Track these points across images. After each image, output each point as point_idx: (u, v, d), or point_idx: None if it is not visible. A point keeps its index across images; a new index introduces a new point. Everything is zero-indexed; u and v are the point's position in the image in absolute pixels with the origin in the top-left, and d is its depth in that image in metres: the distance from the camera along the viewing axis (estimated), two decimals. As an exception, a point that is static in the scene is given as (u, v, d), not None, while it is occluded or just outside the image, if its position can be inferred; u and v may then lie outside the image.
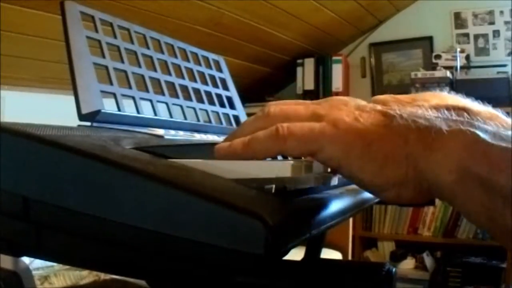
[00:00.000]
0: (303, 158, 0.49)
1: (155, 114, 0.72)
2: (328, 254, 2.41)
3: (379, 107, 0.42)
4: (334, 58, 3.20)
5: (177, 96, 0.79)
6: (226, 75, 0.95)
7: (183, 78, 0.82)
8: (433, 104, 0.46)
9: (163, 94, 0.76)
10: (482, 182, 0.37)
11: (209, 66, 0.92)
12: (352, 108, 0.42)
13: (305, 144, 0.40)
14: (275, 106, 0.44)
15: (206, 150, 0.46)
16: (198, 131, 0.71)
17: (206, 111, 0.86)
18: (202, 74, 0.88)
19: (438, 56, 3.00)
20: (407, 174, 0.39)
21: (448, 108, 0.42)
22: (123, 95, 0.68)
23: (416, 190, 0.40)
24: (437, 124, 0.39)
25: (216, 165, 0.41)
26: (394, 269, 0.60)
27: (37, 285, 1.46)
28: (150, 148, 0.45)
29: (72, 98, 0.59)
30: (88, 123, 0.58)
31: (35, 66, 2.16)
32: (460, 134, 0.38)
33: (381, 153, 0.39)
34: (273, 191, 0.40)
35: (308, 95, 3.18)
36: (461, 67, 2.94)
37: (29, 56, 2.08)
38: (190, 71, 0.85)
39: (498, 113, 0.48)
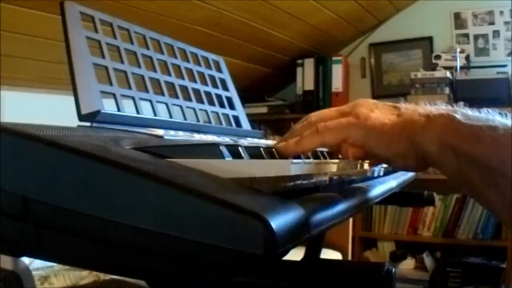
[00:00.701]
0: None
1: (155, 114, 0.72)
2: (328, 254, 2.41)
3: (390, 103, 0.57)
4: (334, 58, 3.20)
5: (176, 97, 0.79)
6: (226, 75, 0.95)
7: (182, 78, 0.82)
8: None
9: (163, 95, 0.76)
10: (454, 150, 0.50)
11: (208, 66, 0.92)
12: (370, 103, 0.57)
13: (337, 134, 0.55)
14: (314, 115, 0.60)
15: (206, 150, 0.46)
16: (198, 132, 0.71)
17: (206, 111, 0.86)
18: (201, 75, 0.88)
19: (438, 57, 3.00)
20: (408, 148, 0.53)
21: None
22: (123, 96, 0.68)
23: (416, 159, 0.54)
24: (429, 110, 0.53)
25: (215, 165, 0.41)
26: (393, 269, 0.60)
27: (37, 285, 1.46)
28: (149, 148, 0.45)
29: (71, 98, 0.59)
30: (88, 124, 0.58)
31: (34, 66, 2.16)
32: (441, 116, 0.52)
33: (390, 133, 0.54)
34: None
35: (308, 95, 3.19)
36: (461, 68, 2.94)
37: (29, 56, 2.08)
38: (189, 71, 0.85)
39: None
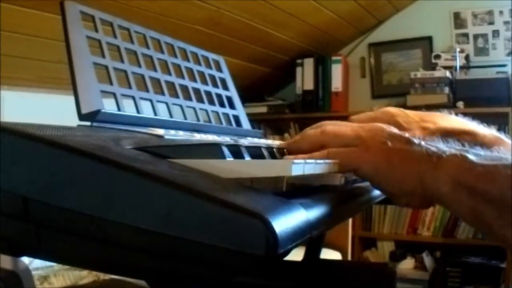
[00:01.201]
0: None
1: (155, 114, 0.72)
2: (328, 254, 2.41)
3: (406, 135, 0.56)
4: (334, 58, 3.20)
5: (177, 96, 0.79)
6: (226, 75, 0.95)
7: (183, 78, 0.82)
8: (440, 127, 0.68)
9: (163, 94, 0.75)
10: (468, 190, 0.49)
11: (209, 66, 0.91)
12: (386, 134, 0.56)
13: (347, 165, 0.54)
14: (330, 126, 0.59)
15: (206, 150, 0.46)
16: (198, 131, 0.71)
17: (206, 111, 0.85)
18: (202, 74, 0.88)
19: (437, 56, 3.00)
20: (416, 187, 0.52)
21: (455, 132, 0.60)
22: (123, 95, 0.67)
23: (422, 198, 0.53)
24: (440, 149, 0.52)
25: (216, 165, 0.41)
26: (393, 269, 0.60)
27: (37, 285, 1.46)
28: (150, 148, 0.45)
29: (72, 98, 0.59)
30: (88, 123, 0.58)
31: (34, 66, 2.16)
32: (454, 157, 0.51)
33: (400, 171, 0.53)
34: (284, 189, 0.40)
35: (307, 95, 3.19)
36: (461, 67, 2.94)
37: (28, 56, 2.07)
38: (190, 71, 0.85)
39: (502, 135, 0.68)
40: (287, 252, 0.35)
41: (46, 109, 2.02)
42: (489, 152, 0.52)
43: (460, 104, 2.79)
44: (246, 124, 0.95)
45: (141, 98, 0.71)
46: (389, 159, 0.53)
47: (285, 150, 0.59)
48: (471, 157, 0.50)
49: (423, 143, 0.54)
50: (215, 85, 0.91)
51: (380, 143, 0.55)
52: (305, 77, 3.21)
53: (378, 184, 0.55)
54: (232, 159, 0.46)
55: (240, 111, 0.94)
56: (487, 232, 0.52)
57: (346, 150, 0.55)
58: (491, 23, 3.03)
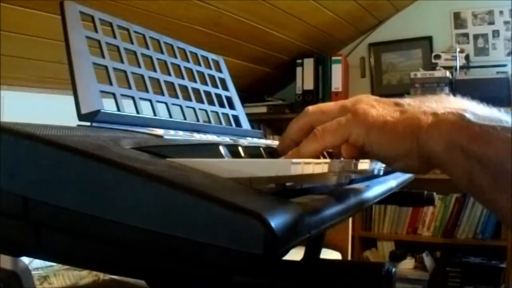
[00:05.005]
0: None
1: (155, 114, 0.72)
2: (328, 254, 2.41)
3: (392, 99, 0.53)
4: (334, 58, 3.20)
5: (176, 96, 0.79)
6: (226, 75, 0.95)
7: (182, 78, 0.82)
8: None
9: (163, 94, 0.76)
10: (463, 150, 0.46)
11: (208, 66, 0.92)
12: (371, 99, 0.53)
13: (338, 134, 0.52)
14: (312, 106, 0.57)
15: (205, 150, 0.46)
16: (198, 131, 0.71)
17: (206, 111, 0.86)
18: (201, 74, 0.88)
19: (437, 56, 3.00)
20: (412, 147, 0.49)
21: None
22: (123, 95, 0.68)
23: (419, 160, 0.50)
24: (435, 108, 0.49)
25: (215, 164, 0.41)
26: (393, 269, 0.60)
27: (37, 285, 1.46)
28: (149, 148, 0.45)
29: (71, 98, 0.59)
30: (88, 123, 0.58)
31: (34, 66, 2.16)
32: (450, 114, 0.48)
33: (393, 131, 0.50)
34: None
35: (307, 95, 3.19)
36: (461, 67, 2.94)
37: (28, 56, 2.08)
38: (189, 71, 0.85)
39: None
40: (286, 252, 0.36)
41: (46, 109, 2.02)
42: (489, 111, 0.49)
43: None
44: (245, 124, 0.95)
45: (141, 98, 0.71)
46: (379, 121, 0.50)
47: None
48: (468, 116, 0.47)
49: (412, 103, 0.51)
50: (214, 85, 0.91)
51: (368, 106, 0.52)
52: (305, 77, 3.21)
53: (371, 149, 0.51)
54: (231, 158, 0.46)
55: (240, 111, 0.94)
56: (480, 197, 0.48)
57: (333, 122, 0.52)
58: (491, 23, 3.03)
